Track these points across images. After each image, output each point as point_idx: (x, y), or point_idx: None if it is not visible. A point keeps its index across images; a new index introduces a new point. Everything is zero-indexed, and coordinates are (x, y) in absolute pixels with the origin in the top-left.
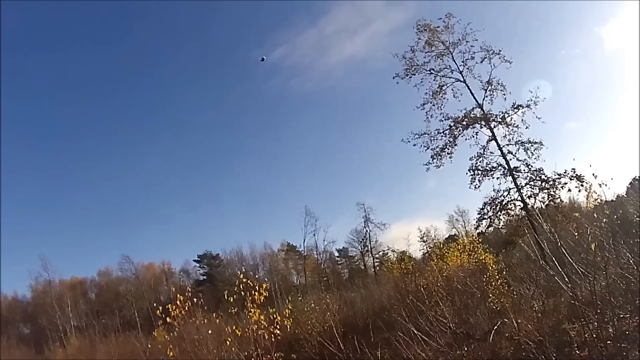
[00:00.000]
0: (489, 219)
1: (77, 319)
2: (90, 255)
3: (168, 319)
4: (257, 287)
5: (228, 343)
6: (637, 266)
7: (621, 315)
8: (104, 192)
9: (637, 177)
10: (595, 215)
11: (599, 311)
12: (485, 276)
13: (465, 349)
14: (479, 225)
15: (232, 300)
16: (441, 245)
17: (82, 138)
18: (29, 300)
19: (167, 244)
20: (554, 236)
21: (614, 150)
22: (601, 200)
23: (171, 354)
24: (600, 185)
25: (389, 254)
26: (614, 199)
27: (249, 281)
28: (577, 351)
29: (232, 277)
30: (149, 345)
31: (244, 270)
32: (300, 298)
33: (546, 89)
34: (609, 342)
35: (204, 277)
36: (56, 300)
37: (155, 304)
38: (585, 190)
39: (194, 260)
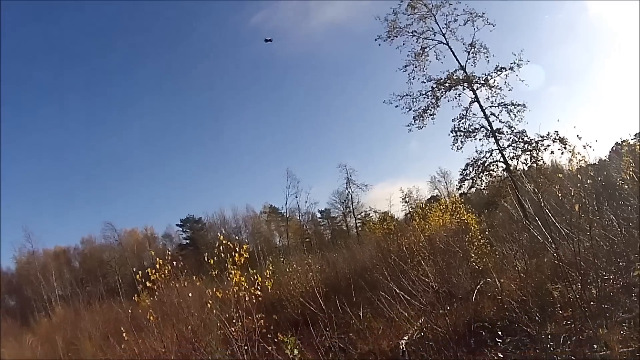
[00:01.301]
0: (471, 180)
1: (61, 288)
2: (73, 223)
3: (148, 284)
4: (237, 249)
5: (209, 305)
6: (621, 228)
7: (605, 277)
8: (84, 159)
9: (620, 142)
10: (579, 176)
11: (582, 272)
12: (467, 236)
13: (448, 308)
14: (461, 186)
15: (212, 262)
16: (423, 206)
17: (59, 105)
18: (14, 272)
19: (149, 210)
20: (537, 196)
21: (597, 115)
22: (585, 161)
23: (152, 318)
24: (584, 146)
25: (371, 215)
26: (597, 163)
27: (229, 242)
28: (560, 311)
29: (215, 241)
30: (130, 311)
31: (224, 232)
32: (282, 259)
33: (539, 74)
34: (592, 302)
35: (187, 241)
36: (40, 271)
37: (135, 269)
38: (569, 152)
39: (177, 225)
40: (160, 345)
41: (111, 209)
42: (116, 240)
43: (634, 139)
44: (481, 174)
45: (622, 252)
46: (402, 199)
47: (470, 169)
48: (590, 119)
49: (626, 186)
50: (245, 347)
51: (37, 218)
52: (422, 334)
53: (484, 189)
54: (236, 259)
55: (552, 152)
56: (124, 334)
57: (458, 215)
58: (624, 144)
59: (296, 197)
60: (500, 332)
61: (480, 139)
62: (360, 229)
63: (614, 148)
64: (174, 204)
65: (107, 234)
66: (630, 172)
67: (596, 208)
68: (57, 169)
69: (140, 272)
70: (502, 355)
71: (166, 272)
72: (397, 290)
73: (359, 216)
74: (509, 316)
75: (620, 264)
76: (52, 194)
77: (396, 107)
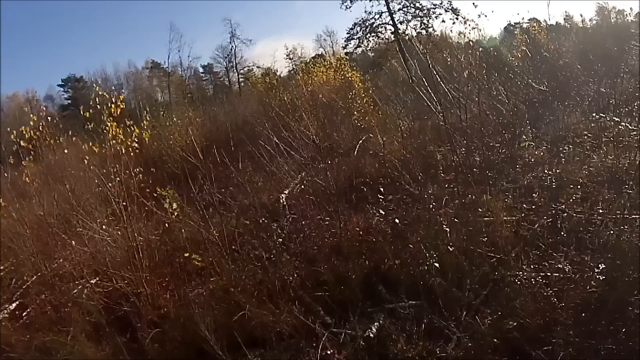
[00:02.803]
0: (357, 40)
1: None
2: None
3: (23, 143)
4: (113, 99)
5: (86, 162)
6: (509, 100)
7: (490, 144)
8: None
9: (513, 23)
10: (470, 43)
11: (467, 138)
12: (351, 93)
13: (329, 162)
14: (347, 45)
15: (88, 115)
16: (307, 62)
17: None
18: None
19: (30, 71)
20: (426, 58)
21: None
22: (479, 29)
23: (27, 179)
24: (479, 15)
25: (254, 70)
26: (488, 39)
27: (105, 93)
28: (443, 174)
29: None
30: (6, 175)
31: (104, 87)
32: (162, 113)
33: None
34: (475, 169)
35: (69, 102)
36: None
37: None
38: (461, 22)
39: (58, 85)
40: (40, 208)
41: None
42: None
43: (528, 23)
44: (368, 34)
45: (509, 124)
46: (287, 56)
47: (358, 29)
48: None
49: (516, 63)
50: (124, 204)
51: None
52: (303, 187)
53: (369, 50)
54: (112, 110)
55: (443, 21)
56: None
57: (342, 73)
58: (517, 25)
59: (179, 51)
60: (382, 189)
61: (370, 0)
62: (242, 84)
63: (505, 27)
64: (55, 63)
65: None
66: (523, 48)
67: (485, 78)
68: None
69: (14, 132)
70: (383, 212)
71: (41, 128)
72: (277, 142)
73: (242, 71)
74: (391, 174)
75: (506, 135)
76: None
77: None
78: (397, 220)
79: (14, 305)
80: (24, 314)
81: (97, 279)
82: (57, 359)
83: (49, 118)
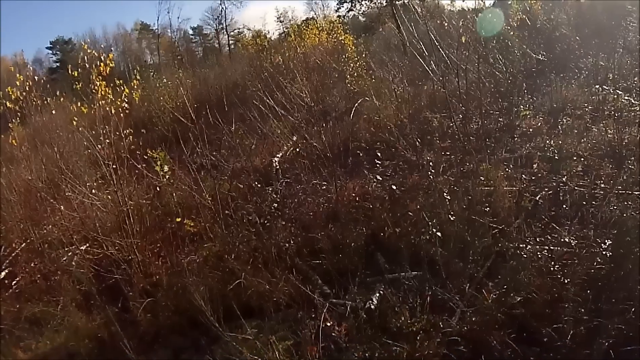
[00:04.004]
0: (350, 3)
1: None
2: None
3: (9, 104)
4: (102, 57)
5: (74, 123)
6: (507, 69)
7: (489, 112)
8: None
9: None
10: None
11: (464, 105)
12: (343, 56)
13: (323, 125)
14: (339, 9)
15: (76, 74)
16: (299, 24)
17: None
18: None
19: (17, 34)
20: (425, 21)
21: None
22: None
23: (14, 143)
24: None
25: (244, 33)
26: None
27: (93, 51)
28: (439, 141)
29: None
30: None
31: (89, 42)
32: (152, 74)
33: None
34: (472, 137)
35: (57, 64)
36: None
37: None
38: None
39: (47, 48)
40: (28, 172)
41: None
42: None
43: None
44: None
45: (507, 92)
46: (277, 19)
47: None
48: None
49: (512, 32)
50: (114, 167)
51: None
52: (297, 151)
53: (362, 13)
54: (101, 69)
55: None
56: None
57: (335, 35)
58: None
59: (168, 13)
60: (379, 154)
61: None
62: (233, 46)
63: None
64: (44, 27)
65: None
66: (523, 17)
67: (483, 44)
68: None
69: (0, 94)
70: (380, 178)
71: (28, 88)
72: (270, 104)
73: (232, 34)
74: (387, 139)
75: (504, 103)
76: None
77: None
78: (394, 187)
79: (3, 273)
80: (14, 282)
81: (87, 245)
82: (47, 330)
83: (35, 78)
